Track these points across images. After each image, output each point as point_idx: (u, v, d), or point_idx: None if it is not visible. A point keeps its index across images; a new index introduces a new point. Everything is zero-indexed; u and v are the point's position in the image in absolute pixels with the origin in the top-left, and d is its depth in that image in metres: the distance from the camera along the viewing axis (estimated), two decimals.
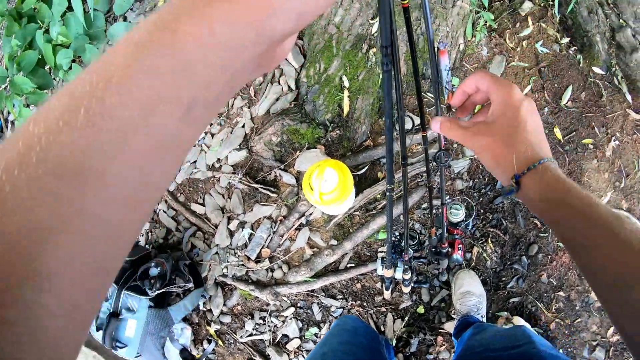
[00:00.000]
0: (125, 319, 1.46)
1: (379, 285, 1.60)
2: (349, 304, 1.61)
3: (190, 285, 1.58)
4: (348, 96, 1.58)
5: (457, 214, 0.96)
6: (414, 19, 1.47)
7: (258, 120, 1.70)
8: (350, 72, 1.55)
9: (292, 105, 1.66)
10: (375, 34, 1.50)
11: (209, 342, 1.69)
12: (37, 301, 0.19)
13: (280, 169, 1.63)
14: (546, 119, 1.61)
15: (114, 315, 1.45)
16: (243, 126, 1.71)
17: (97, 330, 1.46)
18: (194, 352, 1.68)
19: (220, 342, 1.68)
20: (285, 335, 1.64)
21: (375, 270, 1.46)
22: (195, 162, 1.76)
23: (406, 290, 1.28)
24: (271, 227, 1.63)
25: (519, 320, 1.48)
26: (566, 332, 1.54)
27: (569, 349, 1.53)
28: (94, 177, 0.20)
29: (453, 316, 1.54)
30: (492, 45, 1.65)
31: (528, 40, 1.64)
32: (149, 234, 1.80)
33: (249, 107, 1.73)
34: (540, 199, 0.46)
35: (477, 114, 0.56)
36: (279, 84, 1.69)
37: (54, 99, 0.20)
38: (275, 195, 1.64)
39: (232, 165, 1.70)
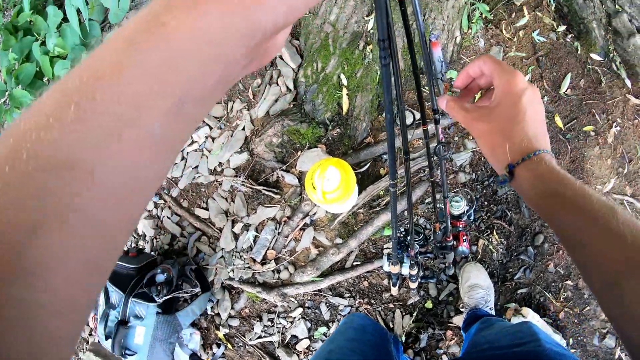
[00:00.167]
0: (133, 326, 1.46)
1: (385, 282, 1.60)
2: (357, 302, 1.60)
3: (197, 290, 1.58)
4: (347, 94, 1.58)
5: (458, 206, 0.96)
6: (410, 13, 1.47)
7: (258, 122, 1.70)
8: (348, 70, 1.55)
9: (292, 105, 1.66)
10: (371, 31, 1.50)
11: (218, 346, 1.69)
12: (28, 297, 0.19)
13: (282, 169, 1.63)
14: (546, 108, 1.61)
15: (122, 323, 1.45)
16: (243, 129, 1.71)
17: (106, 338, 1.46)
18: (204, 357, 1.68)
19: (229, 346, 1.68)
20: (294, 336, 1.64)
21: (382, 267, 1.46)
22: (197, 166, 1.77)
23: (413, 285, 1.28)
24: (275, 228, 1.63)
25: (527, 311, 1.47)
26: (575, 320, 1.53)
27: (579, 338, 1.52)
28: (84, 173, 0.19)
29: (461, 310, 1.54)
30: (489, 37, 1.65)
31: (524, 30, 1.64)
32: (154, 240, 1.80)
33: (248, 110, 1.73)
34: (533, 190, 0.46)
35: (481, 98, 0.56)
36: (277, 85, 1.69)
37: (45, 96, 0.20)
38: (278, 196, 1.64)
39: (234, 169, 1.70)
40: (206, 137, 1.78)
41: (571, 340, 1.52)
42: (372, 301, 1.60)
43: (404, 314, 1.58)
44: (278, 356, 1.63)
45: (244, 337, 1.67)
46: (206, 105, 0.25)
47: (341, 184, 1.32)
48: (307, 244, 1.61)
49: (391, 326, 1.58)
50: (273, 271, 1.64)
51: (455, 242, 1.01)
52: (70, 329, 0.22)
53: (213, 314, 1.70)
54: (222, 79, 0.24)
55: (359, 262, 1.61)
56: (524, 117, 0.47)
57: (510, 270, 1.57)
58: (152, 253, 1.75)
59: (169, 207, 1.79)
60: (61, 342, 0.21)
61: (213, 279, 1.70)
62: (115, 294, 1.49)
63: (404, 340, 1.56)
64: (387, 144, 0.54)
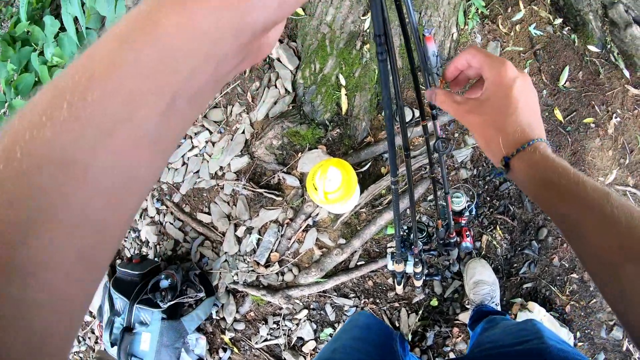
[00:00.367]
0: (139, 332, 1.46)
1: (390, 281, 1.59)
2: (362, 302, 1.60)
3: (202, 294, 1.57)
4: (345, 94, 1.58)
5: (459, 202, 0.96)
6: (406, 9, 1.47)
7: (257, 125, 1.70)
8: (345, 70, 1.55)
9: (291, 107, 1.66)
10: (368, 30, 1.50)
11: (225, 350, 1.69)
12: (24, 296, 0.19)
13: (283, 171, 1.63)
14: (545, 102, 1.60)
15: (128, 330, 1.45)
16: (243, 132, 1.71)
17: (112, 346, 1.46)
18: None
19: (235, 350, 1.68)
20: (300, 338, 1.63)
21: (386, 266, 1.46)
22: (198, 171, 1.77)
23: (418, 283, 1.27)
24: (278, 230, 1.63)
25: (533, 306, 1.47)
26: (582, 314, 1.52)
27: (586, 331, 1.51)
28: (77, 170, 0.20)
29: (467, 306, 1.53)
30: (486, 32, 1.65)
31: (521, 24, 1.64)
32: (157, 246, 1.80)
33: (247, 113, 1.73)
34: (529, 181, 0.46)
35: (470, 89, 0.56)
36: (276, 87, 1.69)
37: (39, 95, 0.21)
38: (280, 198, 1.64)
39: (235, 172, 1.70)
40: (206, 142, 1.78)
41: (578, 334, 1.51)
42: (377, 300, 1.60)
43: (409, 312, 1.58)
44: (285, 359, 1.63)
45: (250, 340, 1.67)
46: (200, 102, 0.25)
47: (342, 184, 1.32)
48: (310, 245, 1.61)
49: (397, 325, 1.58)
50: (277, 273, 1.64)
51: (458, 239, 1.00)
52: (68, 325, 0.22)
53: (218, 318, 1.70)
54: (214, 76, 0.24)
55: (362, 262, 1.61)
56: (515, 108, 0.47)
57: (515, 265, 1.57)
58: (156, 259, 1.75)
59: (171, 213, 1.79)
60: (59, 338, 0.21)
61: (217, 283, 1.70)
62: (120, 301, 1.49)
63: (410, 339, 1.56)
64: (387, 142, 0.54)
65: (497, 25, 1.64)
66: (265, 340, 1.65)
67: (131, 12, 0.22)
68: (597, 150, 1.57)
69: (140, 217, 1.88)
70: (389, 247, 1.59)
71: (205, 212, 1.75)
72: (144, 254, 1.82)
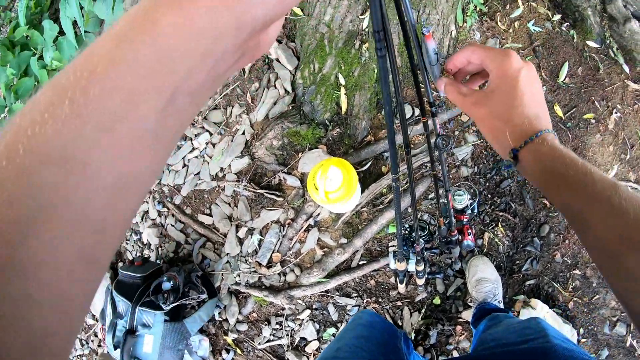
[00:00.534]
0: (141, 335, 1.46)
1: (392, 279, 1.59)
2: (364, 301, 1.60)
3: (204, 296, 1.57)
4: (345, 93, 1.58)
5: (461, 199, 0.96)
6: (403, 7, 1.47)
7: (257, 126, 1.70)
8: (345, 70, 1.55)
9: (290, 107, 1.66)
10: (367, 29, 1.50)
11: (228, 351, 1.69)
12: (24, 294, 0.19)
13: (284, 172, 1.63)
14: (545, 98, 1.60)
15: (130, 332, 1.45)
16: (243, 133, 1.71)
17: (115, 348, 1.46)
18: None
19: (238, 351, 1.67)
20: (303, 338, 1.63)
21: (388, 265, 1.45)
22: (198, 173, 1.77)
23: (420, 282, 1.27)
24: (280, 231, 1.63)
25: (536, 303, 1.46)
26: (585, 310, 1.52)
27: (590, 327, 1.51)
28: (78, 167, 0.20)
29: (470, 304, 1.53)
30: (484, 29, 1.65)
31: (520, 21, 1.64)
32: (159, 249, 1.80)
33: (247, 114, 1.73)
34: (538, 172, 0.46)
35: (471, 80, 0.56)
36: (275, 87, 1.69)
37: (40, 92, 0.21)
38: (281, 199, 1.64)
39: (235, 173, 1.70)
40: (207, 143, 1.78)
41: (582, 330, 1.51)
42: (380, 300, 1.60)
43: (412, 311, 1.58)
44: (288, 359, 1.63)
45: (253, 341, 1.67)
46: (198, 100, 0.25)
47: (343, 184, 1.32)
48: (312, 245, 1.61)
49: (400, 324, 1.58)
50: (279, 274, 1.64)
51: (460, 236, 1.00)
52: (69, 325, 0.22)
53: (221, 319, 1.70)
54: (212, 74, 0.24)
55: (364, 261, 1.61)
56: (522, 100, 0.47)
57: (517, 262, 1.57)
58: (158, 261, 1.76)
59: (173, 215, 1.79)
60: (60, 338, 0.21)
61: (219, 285, 1.70)
62: (123, 304, 1.49)
63: (413, 338, 1.55)
64: (387, 140, 0.54)
65: (495, 23, 1.64)
66: (268, 341, 1.65)
67: (130, 11, 0.22)
68: (598, 146, 1.57)
69: (142, 219, 1.88)
70: (391, 246, 1.59)
71: (206, 214, 1.75)
72: (146, 256, 1.82)
